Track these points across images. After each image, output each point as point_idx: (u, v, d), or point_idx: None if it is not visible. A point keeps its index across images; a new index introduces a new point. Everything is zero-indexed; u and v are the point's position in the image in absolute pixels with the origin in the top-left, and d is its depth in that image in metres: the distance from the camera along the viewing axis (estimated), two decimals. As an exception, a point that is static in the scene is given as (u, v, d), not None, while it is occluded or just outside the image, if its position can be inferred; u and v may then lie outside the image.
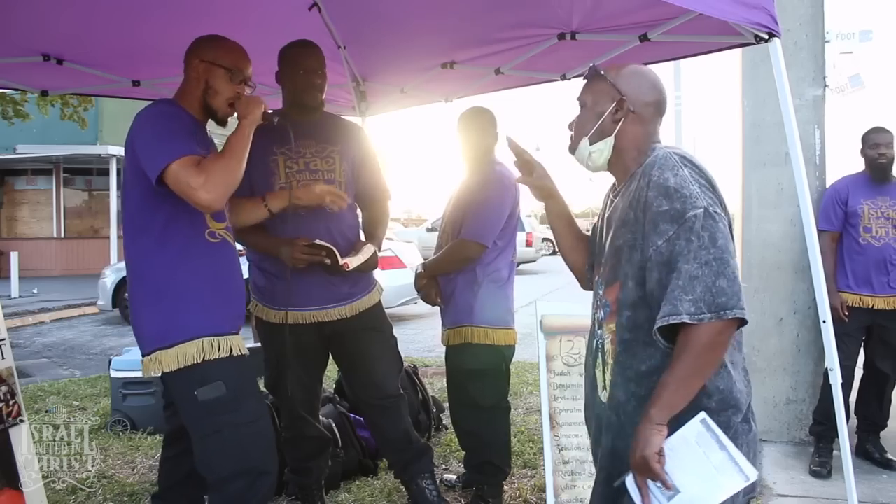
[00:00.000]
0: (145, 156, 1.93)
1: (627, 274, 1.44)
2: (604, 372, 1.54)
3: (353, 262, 2.52)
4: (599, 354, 1.55)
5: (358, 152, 2.74)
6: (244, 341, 2.14)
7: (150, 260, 2.03)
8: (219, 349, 2.02)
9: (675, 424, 1.37)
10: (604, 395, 1.54)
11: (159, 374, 2.04)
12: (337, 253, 2.49)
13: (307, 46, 2.59)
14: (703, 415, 1.37)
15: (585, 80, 1.61)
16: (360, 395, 2.89)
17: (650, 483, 1.36)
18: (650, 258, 1.36)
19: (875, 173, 3.53)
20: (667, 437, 1.36)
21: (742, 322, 1.32)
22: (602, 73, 1.56)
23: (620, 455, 1.46)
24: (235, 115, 2.12)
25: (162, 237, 2.02)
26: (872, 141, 3.52)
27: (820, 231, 3.55)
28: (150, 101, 2.12)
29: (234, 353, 2.05)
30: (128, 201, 2.06)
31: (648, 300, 1.40)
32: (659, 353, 1.41)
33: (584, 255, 1.78)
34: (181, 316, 2.02)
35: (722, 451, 1.35)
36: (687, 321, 1.28)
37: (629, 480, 1.41)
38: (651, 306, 1.40)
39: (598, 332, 1.56)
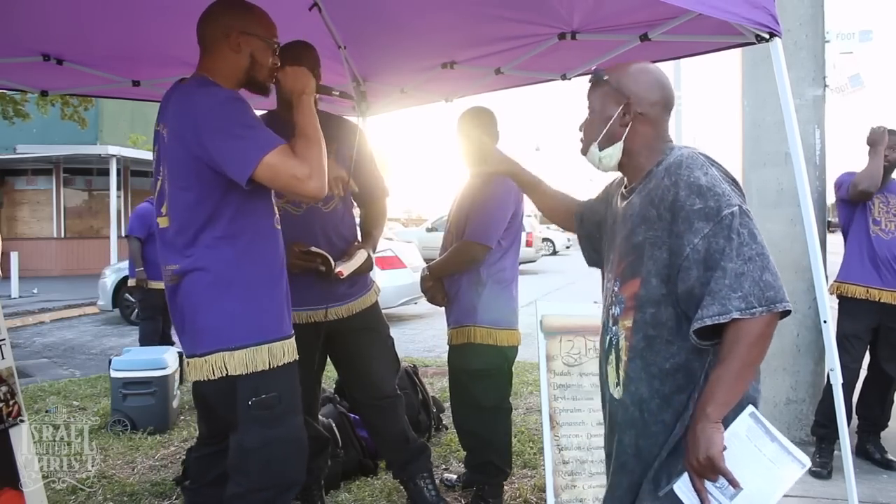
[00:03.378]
0: (226, 153, 1.74)
1: (651, 271, 1.44)
2: (617, 368, 1.53)
3: (346, 268, 2.53)
4: (613, 351, 1.55)
5: (353, 150, 2.74)
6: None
7: (215, 252, 1.84)
8: (285, 355, 1.88)
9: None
10: (617, 392, 1.54)
11: (210, 378, 1.85)
12: (331, 260, 2.49)
13: (301, 46, 2.59)
14: (751, 408, 1.37)
15: (590, 84, 1.61)
16: (356, 395, 2.89)
17: (708, 485, 1.33)
18: (687, 256, 1.36)
19: (887, 172, 3.57)
20: None
21: (784, 315, 1.34)
22: (606, 77, 1.56)
23: (645, 455, 1.46)
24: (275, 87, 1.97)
25: (230, 230, 1.85)
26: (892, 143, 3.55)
27: (842, 199, 3.60)
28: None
29: (293, 359, 1.92)
30: (179, 194, 1.85)
31: (678, 298, 1.40)
32: (683, 351, 1.41)
33: (564, 209, 1.93)
34: (253, 315, 1.85)
35: (773, 443, 1.35)
36: (738, 317, 1.29)
37: (679, 486, 1.37)
38: (677, 304, 1.41)
39: (613, 328, 1.56)
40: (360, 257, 2.63)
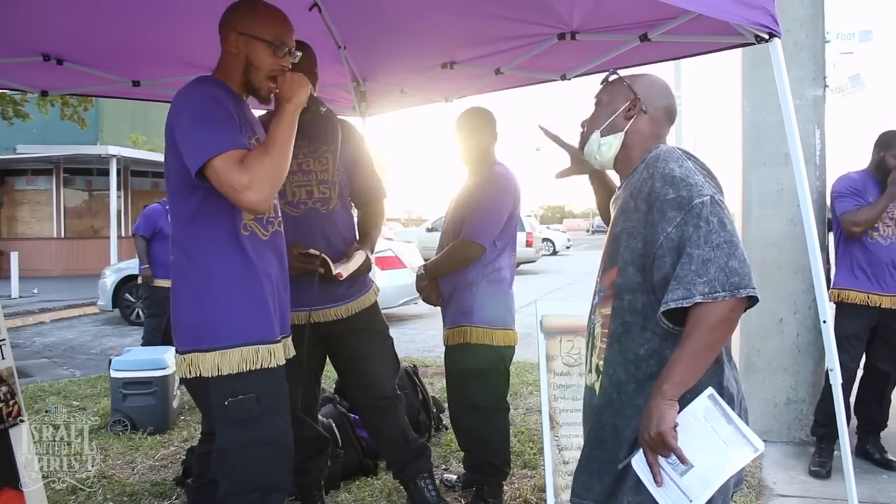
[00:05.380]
0: (185, 145, 1.74)
1: (627, 260, 1.50)
2: (592, 354, 1.61)
3: (345, 269, 2.53)
4: (591, 337, 1.63)
5: (351, 152, 2.74)
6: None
7: (191, 252, 1.84)
8: (261, 359, 1.84)
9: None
10: (589, 378, 1.61)
11: (187, 376, 1.87)
12: (330, 262, 2.49)
13: (299, 46, 2.58)
14: (710, 390, 1.41)
15: (603, 83, 1.71)
16: (356, 395, 2.89)
17: (661, 460, 1.39)
18: (661, 245, 1.41)
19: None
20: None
21: (752, 302, 1.37)
22: (619, 76, 1.68)
23: (621, 435, 1.52)
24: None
25: (195, 227, 1.83)
26: None
27: (843, 214, 3.46)
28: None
29: (275, 364, 1.88)
30: (167, 184, 1.88)
31: (652, 286, 1.45)
32: (657, 338, 1.47)
33: None
34: (224, 318, 1.83)
35: (730, 425, 1.39)
36: (700, 301, 1.33)
37: (636, 460, 1.43)
38: (652, 292, 1.46)
39: (592, 316, 1.64)
40: (358, 258, 2.63)
